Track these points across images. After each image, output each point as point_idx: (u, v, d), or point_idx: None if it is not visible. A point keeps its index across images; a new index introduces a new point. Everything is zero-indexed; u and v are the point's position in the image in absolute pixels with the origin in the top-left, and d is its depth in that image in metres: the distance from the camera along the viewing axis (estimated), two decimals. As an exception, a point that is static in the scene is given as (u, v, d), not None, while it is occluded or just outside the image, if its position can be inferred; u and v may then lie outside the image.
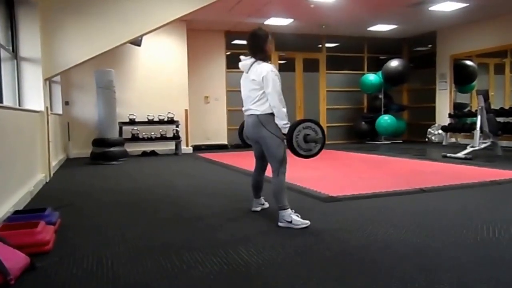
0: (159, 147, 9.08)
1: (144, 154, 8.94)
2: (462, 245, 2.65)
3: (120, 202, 4.20)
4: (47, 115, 5.60)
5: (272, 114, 3.14)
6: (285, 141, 3.15)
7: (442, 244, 2.67)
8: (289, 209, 3.11)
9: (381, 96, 11.08)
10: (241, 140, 3.67)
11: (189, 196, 4.46)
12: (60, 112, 8.15)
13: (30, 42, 5.39)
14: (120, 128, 8.53)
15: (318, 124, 3.17)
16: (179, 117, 9.22)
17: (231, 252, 2.58)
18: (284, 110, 3.11)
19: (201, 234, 3.02)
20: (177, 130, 9.04)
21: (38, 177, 5.06)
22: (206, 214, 3.61)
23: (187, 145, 9.45)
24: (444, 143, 10.01)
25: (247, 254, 2.54)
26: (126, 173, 6.32)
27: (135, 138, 8.67)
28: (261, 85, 3.11)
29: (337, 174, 5.72)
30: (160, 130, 8.91)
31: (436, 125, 10.63)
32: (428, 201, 3.96)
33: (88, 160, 7.61)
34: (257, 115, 3.16)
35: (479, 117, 7.30)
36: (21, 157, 4.25)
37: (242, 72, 3.32)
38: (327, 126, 11.52)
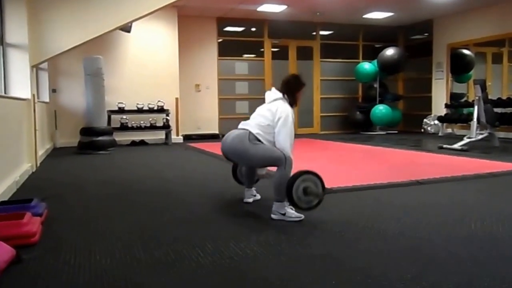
0: (148, 136, 8.87)
1: (133, 143, 8.72)
2: (460, 239, 2.54)
3: (109, 194, 4.03)
4: (34, 103, 5.38)
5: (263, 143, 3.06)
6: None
7: (440, 239, 2.56)
8: (285, 202, 2.97)
9: (376, 85, 10.90)
10: (235, 179, 3.69)
11: (179, 188, 4.29)
12: (47, 100, 7.90)
13: (16, 27, 5.17)
14: (109, 117, 8.29)
15: (317, 176, 2.97)
16: (170, 105, 8.99)
17: (222, 247, 2.46)
18: (290, 152, 3.02)
19: (191, 228, 2.89)
20: (167, 119, 8.81)
21: (24, 167, 4.86)
22: (196, 207, 3.47)
23: (177, 135, 9.25)
24: (440, 134, 9.89)
25: (239, 249, 2.42)
26: (114, 164, 6.13)
27: (124, 127, 8.43)
28: (273, 123, 3.05)
29: (332, 165, 5.56)
30: (150, 119, 8.69)
31: (432, 115, 10.49)
32: (424, 193, 3.83)
33: (76, 150, 7.37)
34: (250, 132, 3.05)
35: (476, 107, 7.16)
36: (6, 146, 4.06)
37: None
38: (321, 116, 11.39)
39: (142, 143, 8.77)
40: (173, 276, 2.07)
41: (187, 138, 9.57)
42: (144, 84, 8.84)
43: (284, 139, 3.00)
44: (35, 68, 5.80)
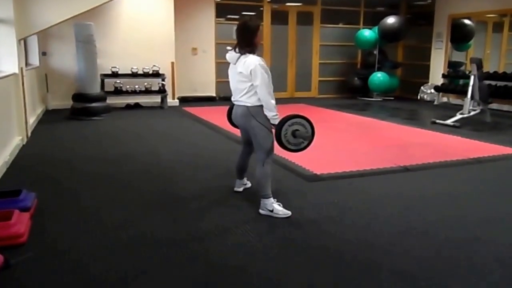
0: (143, 99, 8.80)
1: (128, 106, 8.68)
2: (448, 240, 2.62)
3: (101, 175, 4.06)
4: (22, 76, 5.30)
5: (261, 106, 3.03)
6: (273, 131, 3.04)
7: (428, 237, 2.67)
8: (271, 198, 3.06)
9: (375, 52, 10.75)
10: (230, 123, 3.54)
11: (173, 168, 4.31)
12: (37, 63, 7.77)
13: (2, 1, 5.02)
14: (102, 81, 8.19)
15: (307, 120, 3.05)
16: (165, 70, 8.87)
17: (211, 245, 2.57)
18: (273, 102, 3.01)
19: (182, 222, 2.96)
20: (163, 84, 8.72)
21: (15, 142, 4.88)
22: (189, 194, 3.54)
23: (173, 98, 9.20)
24: (435, 103, 9.89)
25: (227, 246, 2.55)
26: (107, 133, 6.12)
27: (118, 91, 8.35)
28: (249, 78, 2.98)
29: (324, 141, 5.55)
30: (145, 83, 8.59)
31: (429, 84, 10.43)
32: (412, 182, 3.93)
33: (68, 114, 7.32)
34: (247, 107, 3.05)
35: (471, 85, 7.14)
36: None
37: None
38: (319, 80, 11.30)
39: (137, 106, 8.73)
40: (163, 278, 2.15)
41: (183, 100, 9.51)
42: (138, 48, 8.65)
43: (263, 92, 2.95)
44: (23, 40, 5.66)
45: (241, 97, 3.07)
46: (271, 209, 3.02)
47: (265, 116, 3.03)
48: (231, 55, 3.11)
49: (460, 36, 10.04)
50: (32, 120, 6.34)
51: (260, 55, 3.06)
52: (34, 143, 5.36)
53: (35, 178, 3.94)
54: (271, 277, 2.21)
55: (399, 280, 2.18)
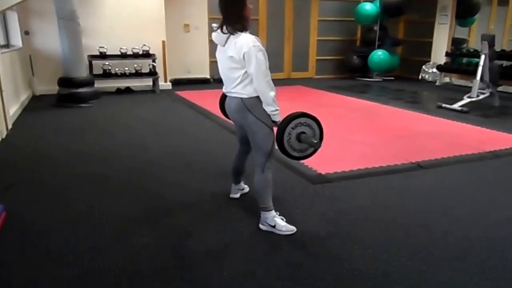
0: (134, 83, 8.35)
1: (119, 91, 8.23)
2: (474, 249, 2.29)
3: (85, 175, 3.69)
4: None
5: (259, 97, 2.54)
6: (275, 130, 2.62)
7: (451, 254, 2.31)
8: (273, 211, 2.67)
9: (376, 28, 10.27)
10: (224, 115, 3.01)
11: (161, 168, 3.92)
12: (20, 44, 7.25)
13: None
14: (90, 63, 7.73)
15: (315, 119, 2.60)
16: (156, 50, 8.37)
17: (199, 276, 2.20)
18: (272, 94, 2.50)
19: (166, 242, 2.54)
20: (153, 66, 8.25)
21: (-10, 136, 4.45)
22: (177, 203, 3.14)
23: (165, 81, 8.74)
24: (437, 84, 9.50)
25: (220, 278, 2.17)
26: (94, 124, 5.68)
27: (107, 74, 7.88)
28: (242, 63, 2.46)
29: (326, 132, 5.21)
30: (135, 65, 8.11)
31: (431, 63, 10.02)
32: (427, 182, 3.59)
33: (55, 101, 6.86)
34: (242, 99, 2.56)
35: (481, 65, 6.73)
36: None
37: None
38: (317, 59, 10.84)
39: (128, 90, 8.28)
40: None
41: (176, 83, 9.08)
42: (126, 26, 8.12)
43: (259, 83, 2.46)
44: None
45: (234, 88, 2.56)
46: (273, 224, 2.64)
47: (264, 110, 2.55)
48: (218, 36, 2.54)
49: (465, 10, 9.53)
50: (15, 108, 5.91)
51: (253, 34, 2.51)
52: (14, 137, 4.92)
53: (8, 181, 3.53)
54: None
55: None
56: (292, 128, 2.58)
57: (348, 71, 10.81)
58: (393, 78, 10.51)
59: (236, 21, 2.47)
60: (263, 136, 2.58)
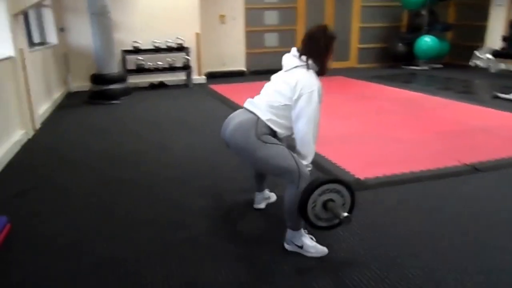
0: (168, 77, 8.18)
1: (152, 86, 8.09)
2: None
3: (103, 182, 3.45)
4: (23, 59, 4.65)
5: (275, 132, 2.28)
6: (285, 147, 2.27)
7: None
8: (302, 230, 2.29)
9: (424, 12, 9.54)
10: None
11: (183, 173, 3.60)
12: (55, 41, 7.23)
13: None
14: (123, 58, 7.62)
15: (346, 185, 2.16)
16: (190, 42, 8.15)
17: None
18: (313, 148, 2.27)
19: (175, 275, 2.14)
20: (187, 59, 8.03)
21: (14, 138, 4.27)
22: (192, 218, 2.76)
23: (199, 74, 8.51)
24: (492, 71, 8.69)
25: None
26: (122, 122, 5.48)
27: (140, 69, 7.74)
28: (292, 97, 2.23)
29: (366, 129, 4.77)
30: (168, 59, 7.92)
31: (485, 48, 9.18)
32: (486, 190, 3.09)
33: (87, 98, 6.79)
34: (259, 119, 2.27)
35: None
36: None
37: None
38: (359, 48, 10.26)
39: (162, 85, 8.12)
40: None
41: (211, 76, 8.85)
42: (159, 19, 7.91)
43: (306, 128, 2.21)
44: (20, 15, 4.76)
45: (265, 105, 2.29)
46: (300, 244, 2.27)
47: (274, 139, 2.25)
48: (288, 60, 2.36)
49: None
50: (45, 107, 5.84)
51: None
52: (40, 138, 4.79)
53: (23, 186, 3.36)
54: None
55: None
56: (319, 195, 2.11)
57: (392, 59, 10.17)
58: (441, 65, 9.76)
59: (315, 59, 2.32)
60: (276, 155, 2.18)
